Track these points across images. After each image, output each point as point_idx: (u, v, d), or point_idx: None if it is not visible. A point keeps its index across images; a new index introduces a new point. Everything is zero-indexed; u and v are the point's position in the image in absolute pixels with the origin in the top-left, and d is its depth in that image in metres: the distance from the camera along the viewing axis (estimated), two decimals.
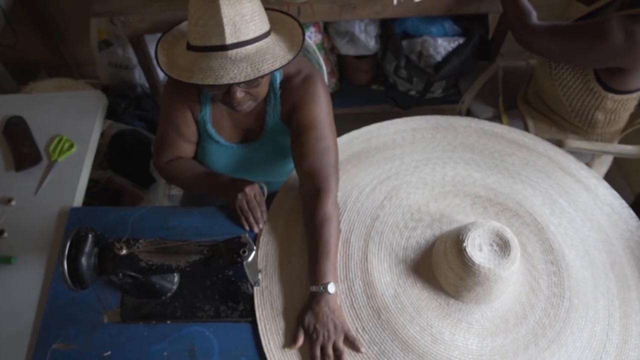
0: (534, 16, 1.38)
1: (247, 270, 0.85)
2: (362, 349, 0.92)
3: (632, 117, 1.57)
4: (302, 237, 1.07)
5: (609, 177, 2.06)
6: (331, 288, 0.95)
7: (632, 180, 2.08)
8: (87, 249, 0.86)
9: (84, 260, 0.85)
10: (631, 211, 1.16)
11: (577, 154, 1.40)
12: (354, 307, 0.97)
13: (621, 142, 1.59)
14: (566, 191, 1.18)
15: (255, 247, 0.85)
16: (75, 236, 0.86)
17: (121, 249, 0.86)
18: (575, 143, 1.50)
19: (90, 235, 0.87)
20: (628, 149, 1.49)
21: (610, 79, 1.35)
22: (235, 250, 0.83)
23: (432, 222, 1.08)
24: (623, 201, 1.18)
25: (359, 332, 0.94)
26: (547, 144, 1.28)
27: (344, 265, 1.02)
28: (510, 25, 1.44)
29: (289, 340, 0.95)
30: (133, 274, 0.89)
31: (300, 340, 0.93)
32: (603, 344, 0.97)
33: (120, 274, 0.89)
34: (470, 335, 0.94)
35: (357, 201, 1.12)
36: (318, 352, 0.91)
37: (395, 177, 1.17)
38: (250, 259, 0.83)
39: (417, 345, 0.92)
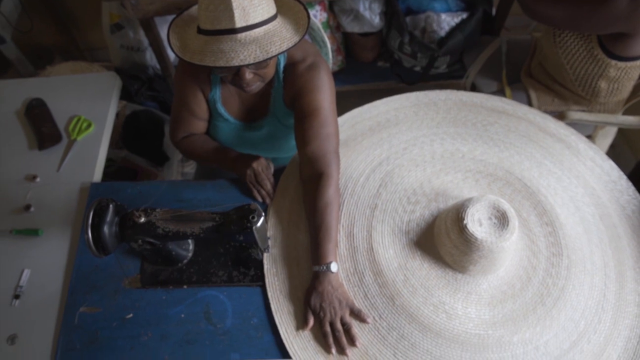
0: None
1: (256, 236, 0.91)
2: (369, 320, 0.97)
3: (636, 89, 1.58)
4: None
5: (614, 148, 2.08)
6: (333, 267, 0.99)
7: (637, 151, 2.09)
8: (108, 218, 0.92)
9: (106, 229, 0.91)
10: (612, 162, 1.20)
11: (579, 125, 1.42)
12: (368, 298, 0.99)
13: (625, 113, 1.60)
14: (550, 152, 1.21)
15: (263, 213, 0.90)
16: (97, 206, 0.92)
17: (140, 217, 0.92)
18: (577, 115, 1.52)
19: (111, 206, 0.93)
20: (629, 120, 1.51)
21: (614, 45, 1.36)
22: (244, 216, 0.89)
23: (429, 203, 1.10)
24: (603, 154, 1.22)
25: (376, 320, 0.97)
26: (525, 107, 1.30)
27: (351, 259, 1.04)
28: None
29: (301, 322, 0.99)
30: (151, 240, 0.95)
31: (311, 321, 0.97)
32: (603, 292, 1.02)
33: (140, 241, 0.95)
34: (481, 306, 0.98)
35: (353, 194, 1.13)
36: (328, 329, 0.96)
37: (387, 161, 1.18)
38: (259, 224, 0.89)
39: (434, 324, 0.96)
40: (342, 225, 1.08)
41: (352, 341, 0.96)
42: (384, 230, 1.07)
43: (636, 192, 1.16)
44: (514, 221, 0.95)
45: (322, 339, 0.97)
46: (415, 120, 1.27)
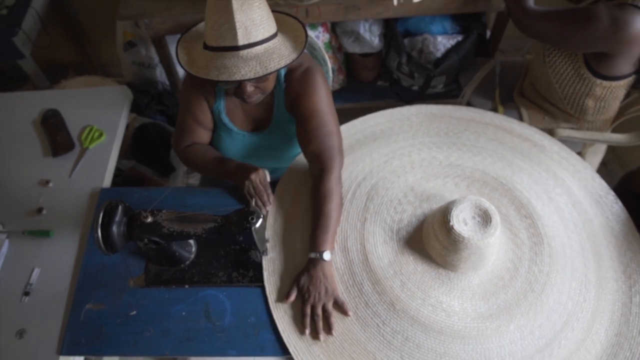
0: (531, 1, 1.48)
1: (255, 236, 0.97)
2: (350, 313, 1.02)
3: (623, 109, 1.65)
4: (304, 215, 1.17)
5: (606, 165, 2.13)
6: (326, 256, 1.04)
7: (628, 168, 2.12)
8: (117, 218, 0.98)
9: (114, 228, 0.98)
10: (576, 155, 1.28)
11: (568, 143, 1.48)
12: (369, 306, 1.03)
13: (613, 132, 1.66)
14: (519, 151, 1.28)
15: (262, 215, 0.96)
16: (107, 207, 0.98)
17: (147, 217, 0.98)
18: (565, 132, 1.58)
19: (120, 206, 1.00)
20: (615, 137, 1.57)
21: (599, 65, 1.43)
22: (244, 217, 0.95)
23: (414, 210, 1.15)
24: (567, 147, 1.29)
25: (379, 326, 1.01)
26: (490, 114, 1.37)
27: (349, 271, 1.08)
28: (509, 9, 1.53)
29: (282, 295, 1.05)
30: (156, 239, 1.01)
31: (292, 296, 1.05)
32: (584, 273, 1.08)
33: (146, 239, 1.01)
34: (476, 300, 1.03)
35: (343, 210, 1.17)
36: (309, 311, 1.02)
37: (370, 176, 1.23)
38: (257, 225, 0.94)
39: (435, 323, 1.00)
40: (336, 241, 1.12)
41: (329, 329, 1.00)
42: (376, 241, 1.11)
43: (601, 179, 1.24)
44: (496, 217, 1.01)
45: (317, 338, 1.01)
46: (391, 134, 1.33)
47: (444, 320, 1.01)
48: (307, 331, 1.01)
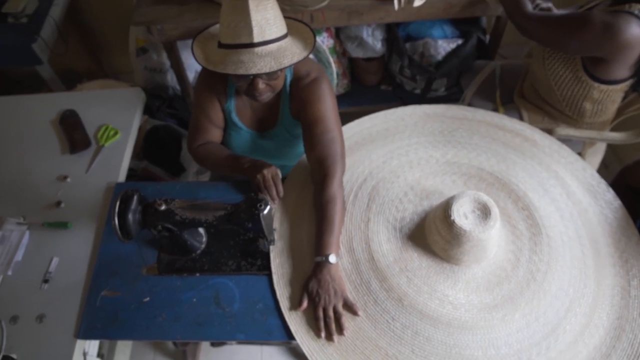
0: (529, 6, 1.53)
1: (263, 223, 1.01)
2: (360, 313, 1.04)
3: (621, 109, 1.69)
4: (310, 209, 1.21)
5: (608, 167, 2.16)
6: (332, 259, 1.07)
7: None
8: (133, 206, 1.04)
9: (130, 215, 1.03)
10: (567, 148, 1.32)
11: (568, 142, 1.53)
12: (378, 303, 1.05)
13: (611, 131, 1.70)
14: (511, 146, 1.32)
15: (270, 203, 1.01)
16: (123, 195, 1.04)
17: (160, 205, 1.04)
18: (564, 130, 1.62)
19: (135, 196, 1.05)
20: (613, 136, 1.60)
21: (595, 69, 1.48)
22: (253, 204, 1.00)
23: (415, 208, 1.18)
24: (557, 141, 1.34)
25: (389, 322, 1.03)
26: (481, 111, 1.41)
27: (356, 271, 1.10)
28: (508, 13, 1.58)
29: (295, 304, 1.07)
30: (169, 226, 1.06)
31: (305, 304, 1.06)
32: (582, 260, 1.11)
33: (160, 227, 1.06)
34: (480, 291, 1.05)
35: (347, 211, 1.20)
36: (321, 314, 1.04)
37: (370, 177, 1.26)
38: (265, 212, 0.99)
39: (442, 316, 1.02)
40: (342, 242, 1.14)
41: (340, 330, 1.03)
42: (380, 240, 1.14)
43: (592, 169, 1.28)
44: (495, 209, 1.04)
45: (331, 339, 1.03)
46: (388, 135, 1.37)
47: (451, 312, 1.03)
48: (323, 334, 1.02)
